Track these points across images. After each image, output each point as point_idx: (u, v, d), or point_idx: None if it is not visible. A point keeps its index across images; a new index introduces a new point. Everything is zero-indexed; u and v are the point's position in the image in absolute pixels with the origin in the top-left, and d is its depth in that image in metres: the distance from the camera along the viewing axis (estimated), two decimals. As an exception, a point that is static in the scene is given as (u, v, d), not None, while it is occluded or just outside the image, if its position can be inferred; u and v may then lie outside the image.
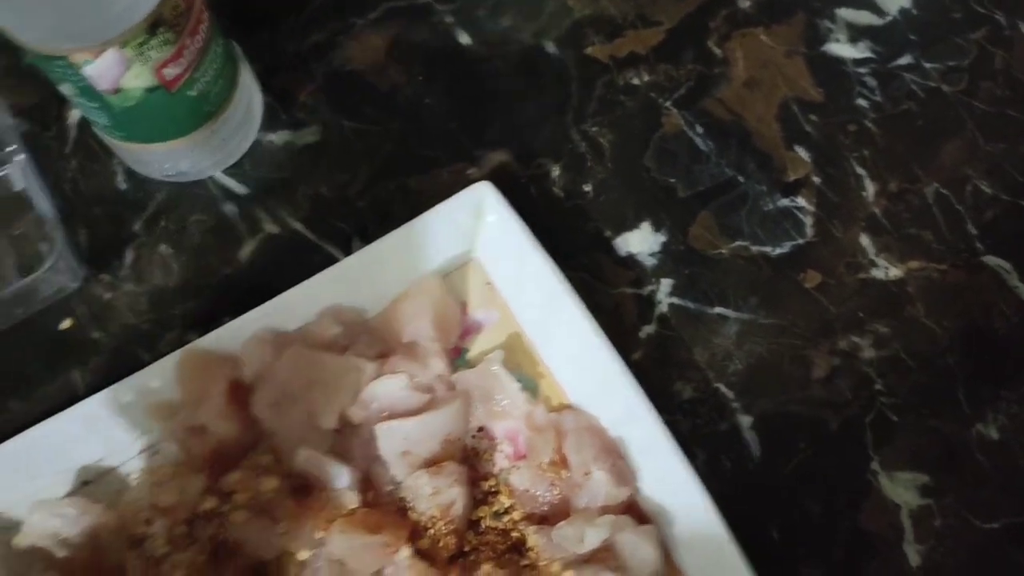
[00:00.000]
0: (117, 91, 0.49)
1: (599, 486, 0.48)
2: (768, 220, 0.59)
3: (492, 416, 0.52)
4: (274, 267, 0.58)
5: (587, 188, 0.60)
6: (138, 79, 0.49)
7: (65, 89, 0.50)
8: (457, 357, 0.55)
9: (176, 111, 0.53)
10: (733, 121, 0.62)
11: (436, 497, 0.48)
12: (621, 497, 0.49)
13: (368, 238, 0.56)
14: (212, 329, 0.52)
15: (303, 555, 0.47)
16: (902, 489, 0.52)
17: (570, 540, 0.47)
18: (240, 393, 0.51)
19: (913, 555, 0.51)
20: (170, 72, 0.50)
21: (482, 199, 0.55)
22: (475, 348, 0.55)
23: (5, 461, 0.50)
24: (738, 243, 0.58)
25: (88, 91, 0.49)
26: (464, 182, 0.56)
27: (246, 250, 0.58)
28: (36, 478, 0.51)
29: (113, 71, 0.48)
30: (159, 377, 0.51)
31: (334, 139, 0.61)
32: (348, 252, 0.57)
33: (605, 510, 0.49)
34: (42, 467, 0.51)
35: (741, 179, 0.60)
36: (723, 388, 0.55)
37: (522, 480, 0.50)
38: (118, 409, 0.51)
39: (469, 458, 0.51)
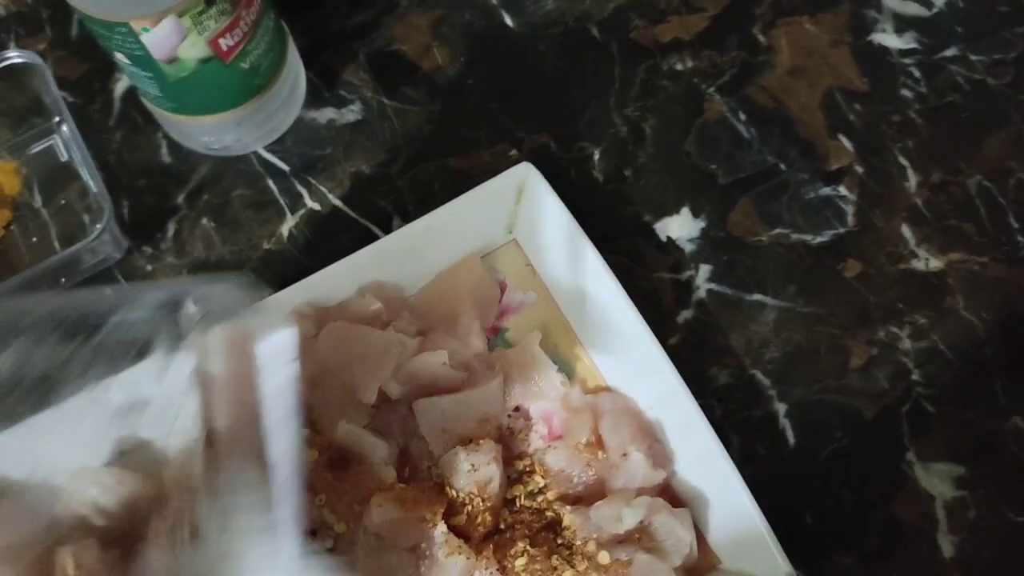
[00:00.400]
0: (172, 60, 0.50)
1: (636, 467, 0.49)
2: (809, 208, 0.59)
3: (528, 396, 0.52)
4: (314, 243, 0.58)
5: (628, 172, 0.60)
6: (193, 49, 0.50)
7: (120, 58, 0.51)
8: (495, 336, 0.55)
9: (227, 83, 0.53)
10: (776, 109, 0.62)
11: (473, 474, 0.48)
12: (657, 479, 0.49)
13: (408, 217, 0.56)
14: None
15: (340, 527, 0.47)
16: (937, 480, 0.52)
17: (607, 520, 0.47)
18: (281, 366, 0.51)
19: (947, 546, 0.51)
20: (225, 43, 0.50)
21: (523, 180, 0.55)
22: (513, 328, 0.55)
23: (45, 429, 0.51)
24: (778, 231, 0.58)
25: (144, 60, 0.50)
26: (505, 163, 0.56)
27: (287, 225, 0.59)
28: (75, 447, 0.51)
29: (170, 40, 0.48)
30: (200, 349, 0.52)
31: (376, 118, 0.62)
32: (388, 230, 0.58)
33: (641, 492, 0.49)
34: (82, 436, 0.51)
35: (783, 167, 0.60)
36: (759, 375, 0.55)
37: (557, 460, 0.50)
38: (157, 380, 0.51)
39: (504, 437, 0.52)
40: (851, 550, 0.51)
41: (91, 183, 0.57)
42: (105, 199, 0.55)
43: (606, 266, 0.52)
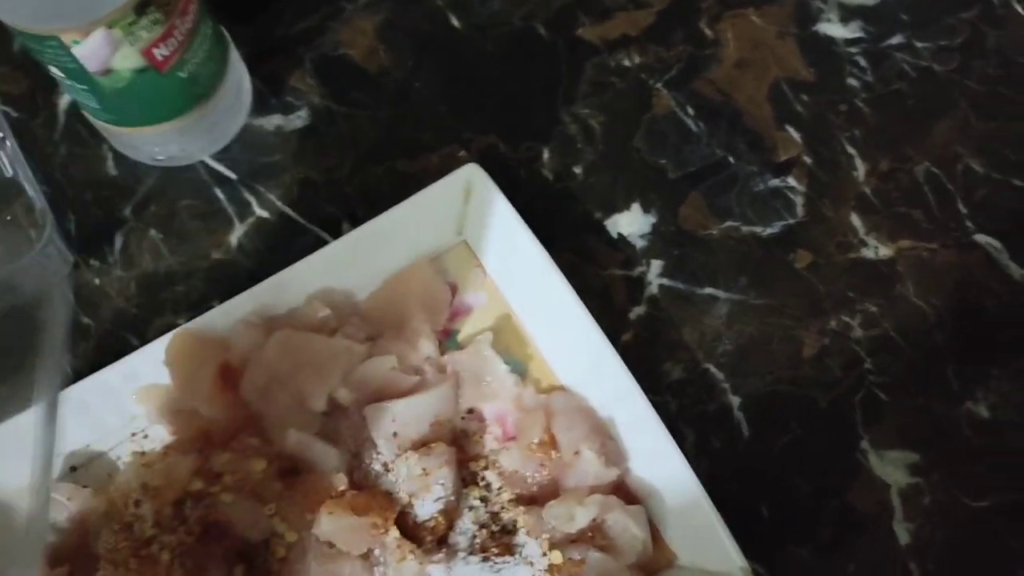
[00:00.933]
0: (107, 72, 0.49)
1: (588, 466, 0.48)
2: (758, 200, 0.59)
3: (481, 398, 0.52)
4: (264, 251, 0.58)
5: (577, 170, 0.60)
6: (128, 60, 0.49)
7: (55, 71, 0.50)
8: (447, 339, 0.55)
9: (166, 93, 0.53)
10: (724, 102, 0.62)
11: (425, 478, 0.48)
12: (610, 477, 0.49)
13: (357, 221, 0.56)
14: (201, 313, 0.53)
15: (291, 537, 0.47)
16: (891, 468, 0.52)
17: (560, 519, 0.47)
18: (230, 376, 0.51)
19: (903, 533, 0.51)
20: (160, 53, 0.50)
21: (470, 181, 0.55)
22: (465, 330, 0.55)
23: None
24: (728, 223, 0.58)
25: (77, 73, 0.49)
26: (453, 165, 0.56)
27: (236, 234, 0.58)
28: (25, 463, 0.51)
29: (102, 51, 0.48)
30: (148, 361, 0.51)
31: (323, 123, 0.61)
32: (337, 235, 0.57)
33: (594, 490, 0.49)
34: (31, 452, 0.51)
35: (732, 160, 0.60)
36: (712, 368, 0.55)
37: (511, 461, 0.50)
38: (107, 394, 0.51)
39: (458, 439, 0.51)
40: (807, 541, 0.51)
41: (34, 199, 0.56)
42: (46, 215, 0.54)
43: (554, 265, 0.52)
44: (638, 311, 0.56)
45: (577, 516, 0.47)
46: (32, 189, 0.56)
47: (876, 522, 0.51)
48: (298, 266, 0.53)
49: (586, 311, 0.51)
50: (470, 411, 0.52)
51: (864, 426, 0.53)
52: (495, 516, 0.49)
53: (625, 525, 0.47)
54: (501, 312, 0.55)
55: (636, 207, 0.59)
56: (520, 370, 0.53)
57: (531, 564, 0.47)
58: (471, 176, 0.55)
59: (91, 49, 0.48)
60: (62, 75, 0.50)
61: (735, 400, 0.54)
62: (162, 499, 0.47)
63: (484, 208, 0.54)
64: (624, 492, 0.50)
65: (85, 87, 0.51)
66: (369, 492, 0.48)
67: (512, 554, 0.47)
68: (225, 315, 0.52)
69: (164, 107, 0.54)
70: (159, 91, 0.53)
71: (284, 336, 0.51)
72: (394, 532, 0.47)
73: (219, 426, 0.50)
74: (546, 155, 0.60)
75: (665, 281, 0.57)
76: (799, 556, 0.51)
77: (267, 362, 0.51)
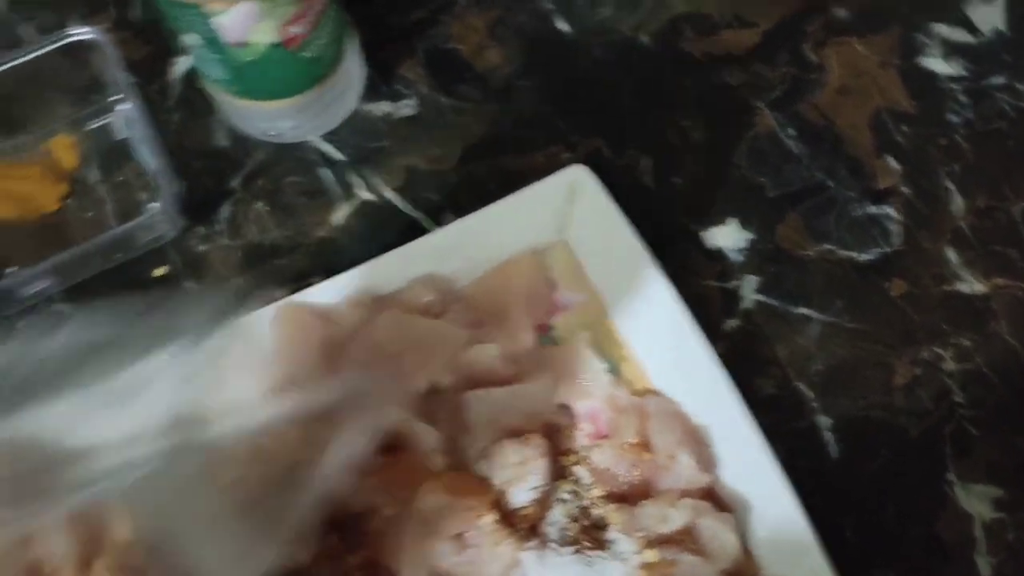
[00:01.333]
0: (242, 44, 0.50)
1: (683, 470, 0.49)
2: (856, 226, 0.59)
3: (575, 394, 0.52)
4: (365, 232, 0.59)
5: (677, 180, 0.61)
6: (264, 34, 0.50)
7: (190, 39, 0.51)
8: (543, 334, 0.55)
9: (291, 71, 0.54)
10: (825, 126, 0.62)
11: (522, 467, 0.48)
12: (703, 483, 0.49)
13: (461, 212, 0.57)
14: (302, 288, 0.54)
15: (390, 510, 0.48)
16: (976, 501, 0.53)
17: (652, 519, 0.48)
18: (331, 351, 0.52)
19: (985, 566, 0.51)
20: (293, 30, 0.51)
21: (577, 182, 0.55)
22: (561, 327, 0.55)
23: (97, 399, 0.51)
24: (825, 246, 0.59)
25: (214, 42, 0.50)
26: (557, 165, 0.56)
27: (339, 214, 0.59)
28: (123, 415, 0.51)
29: (244, 24, 0.49)
30: (254, 328, 0.52)
31: (431, 114, 0.62)
32: (439, 224, 0.58)
33: (685, 494, 0.49)
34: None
35: (831, 183, 0.60)
36: (803, 387, 0.55)
37: (603, 459, 0.50)
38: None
39: (550, 433, 0.52)
40: (891, 566, 0.51)
41: (151, 161, 0.57)
42: (163, 178, 0.55)
43: (661, 269, 0.52)
44: (732, 324, 0.57)
45: (670, 518, 0.48)
46: (147, 153, 0.57)
47: (960, 553, 0.51)
48: (404, 249, 0.54)
49: (691, 317, 0.51)
50: (562, 406, 0.53)
51: (953, 458, 0.53)
52: (584, 511, 0.50)
53: (717, 531, 0.48)
54: (596, 312, 0.56)
55: (734, 222, 0.59)
56: (613, 371, 0.54)
57: (624, 561, 0.47)
58: (578, 177, 0.55)
59: (233, 20, 0.49)
60: (196, 43, 0.51)
61: (825, 420, 0.54)
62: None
63: (589, 209, 0.55)
64: (713, 499, 0.50)
65: (217, 57, 0.52)
66: (468, 475, 0.49)
67: (603, 549, 0.48)
68: (330, 291, 0.53)
69: (286, 84, 0.55)
70: (285, 68, 0.54)
71: (392, 316, 0.52)
72: (489, 516, 0.47)
73: (320, 399, 0.50)
74: (647, 163, 0.61)
75: (760, 297, 0.57)
76: (883, 579, 0.51)
77: (372, 340, 0.51)
